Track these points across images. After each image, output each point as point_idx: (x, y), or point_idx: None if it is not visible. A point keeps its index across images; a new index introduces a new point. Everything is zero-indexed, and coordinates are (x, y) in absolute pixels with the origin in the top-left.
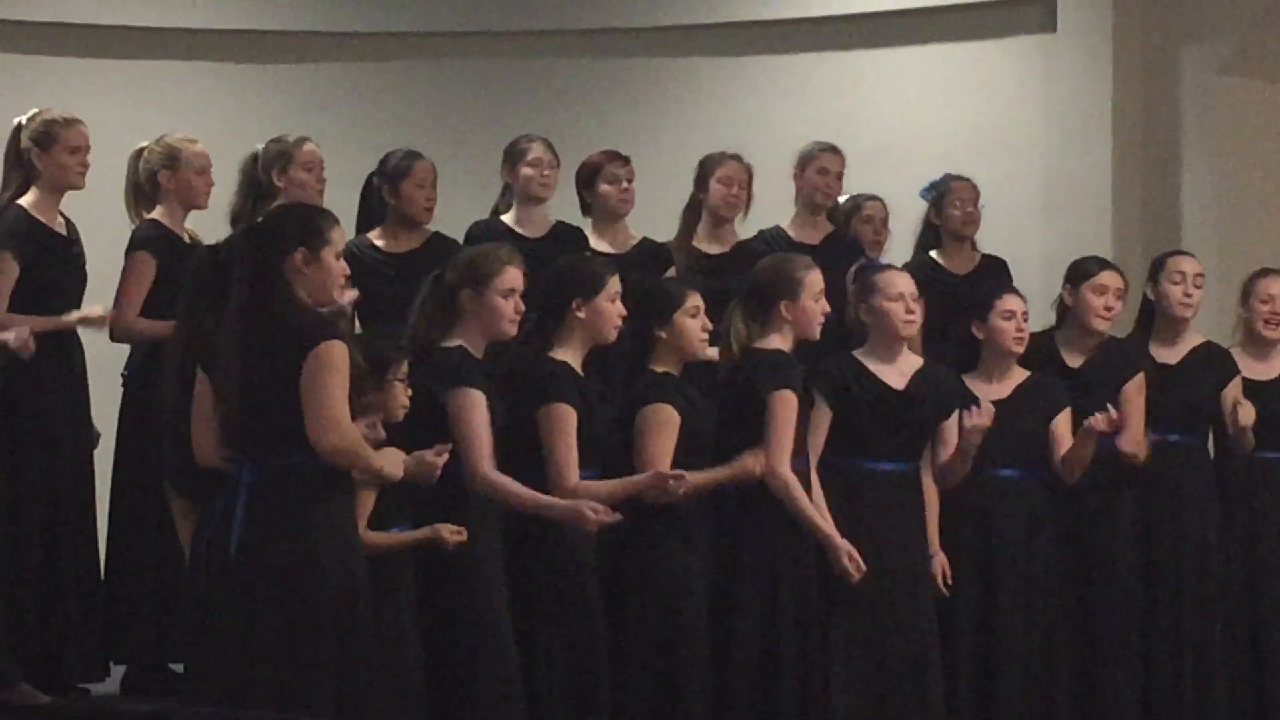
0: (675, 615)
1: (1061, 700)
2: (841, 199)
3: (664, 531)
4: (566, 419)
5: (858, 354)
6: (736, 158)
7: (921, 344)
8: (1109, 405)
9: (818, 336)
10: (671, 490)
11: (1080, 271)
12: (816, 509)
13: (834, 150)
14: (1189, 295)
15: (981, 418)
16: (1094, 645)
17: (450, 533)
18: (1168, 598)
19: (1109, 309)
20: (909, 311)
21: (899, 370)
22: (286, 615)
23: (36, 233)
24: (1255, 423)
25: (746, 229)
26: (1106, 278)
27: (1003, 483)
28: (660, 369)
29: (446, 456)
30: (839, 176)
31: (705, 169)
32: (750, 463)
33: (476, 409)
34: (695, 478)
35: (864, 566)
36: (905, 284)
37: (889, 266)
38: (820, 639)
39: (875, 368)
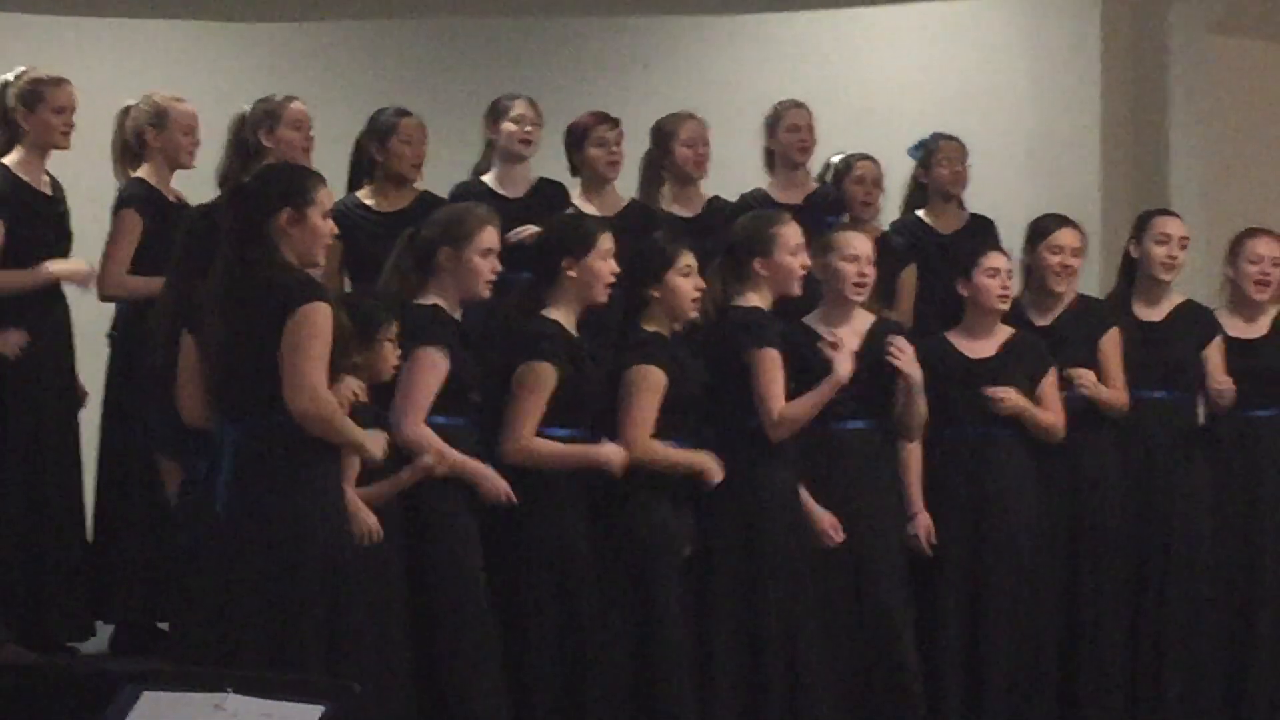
0: (653, 572)
1: (1048, 658)
2: (835, 159)
3: (648, 491)
4: (543, 377)
5: (808, 319)
6: (692, 115)
7: (911, 308)
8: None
9: (798, 292)
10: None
11: (1038, 230)
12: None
13: (798, 105)
14: (1172, 256)
15: (904, 355)
16: (1082, 603)
17: (428, 462)
18: (1156, 555)
19: (1065, 266)
20: (861, 274)
21: (852, 330)
22: (274, 575)
23: (21, 192)
24: (1240, 380)
25: (730, 188)
26: (1063, 236)
27: (989, 441)
28: (651, 328)
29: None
30: (810, 129)
31: (665, 132)
32: (712, 473)
33: (429, 369)
34: (658, 452)
35: (839, 537)
36: (862, 246)
37: (849, 226)
38: (802, 597)
39: (825, 330)
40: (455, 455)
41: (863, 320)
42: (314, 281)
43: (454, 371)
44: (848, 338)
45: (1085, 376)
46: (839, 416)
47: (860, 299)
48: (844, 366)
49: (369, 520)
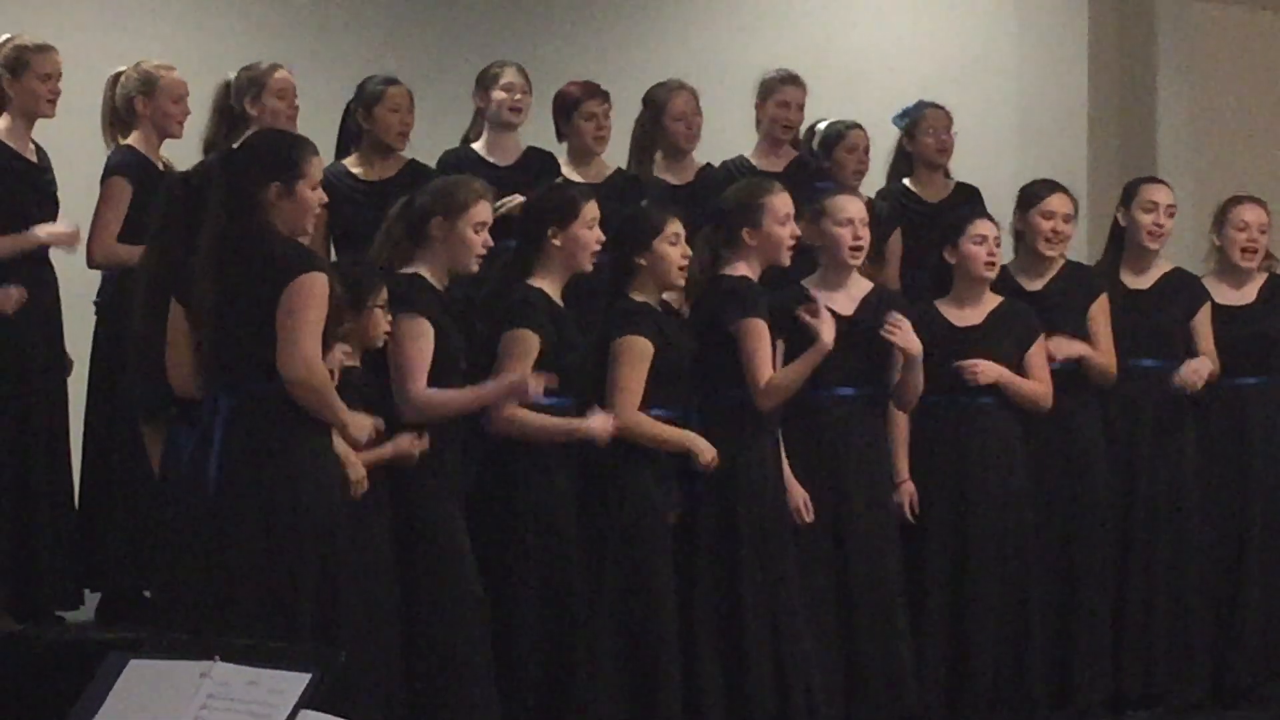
0: (641, 542)
1: (1035, 627)
2: (822, 125)
3: (632, 459)
4: (527, 345)
5: (805, 282)
6: (682, 86)
7: (898, 272)
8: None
9: (787, 262)
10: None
11: (1029, 196)
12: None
13: (795, 82)
14: (1159, 225)
15: (900, 330)
16: (1069, 569)
17: (411, 441)
18: (1142, 523)
19: (1057, 232)
20: (856, 238)
21: (848, 295)
22: (266, 543)
23: (8, 159)
24: (1228, 348)
25: (714, 154)
26: (1054, 202)
27: (976, 409)
28: (639, 298)
29: (426, 443)
30: (800, 108)
31: (657, 104)
32: (705, 457)
33: (417, 337)
34: (647, 426)
35: (809, 518)
36: (855, 209)
37: (841, 190)
38: (787, 559)
39: (823, 295)
40: (474, 389)
41: (859, 286)
42: (310, 251)
43: (438, 341)
44: (843, 303)
45: (1064, 347)
46: (828, 383)
47: (857, 262)
48: (827, 333)
49: (359, 470)
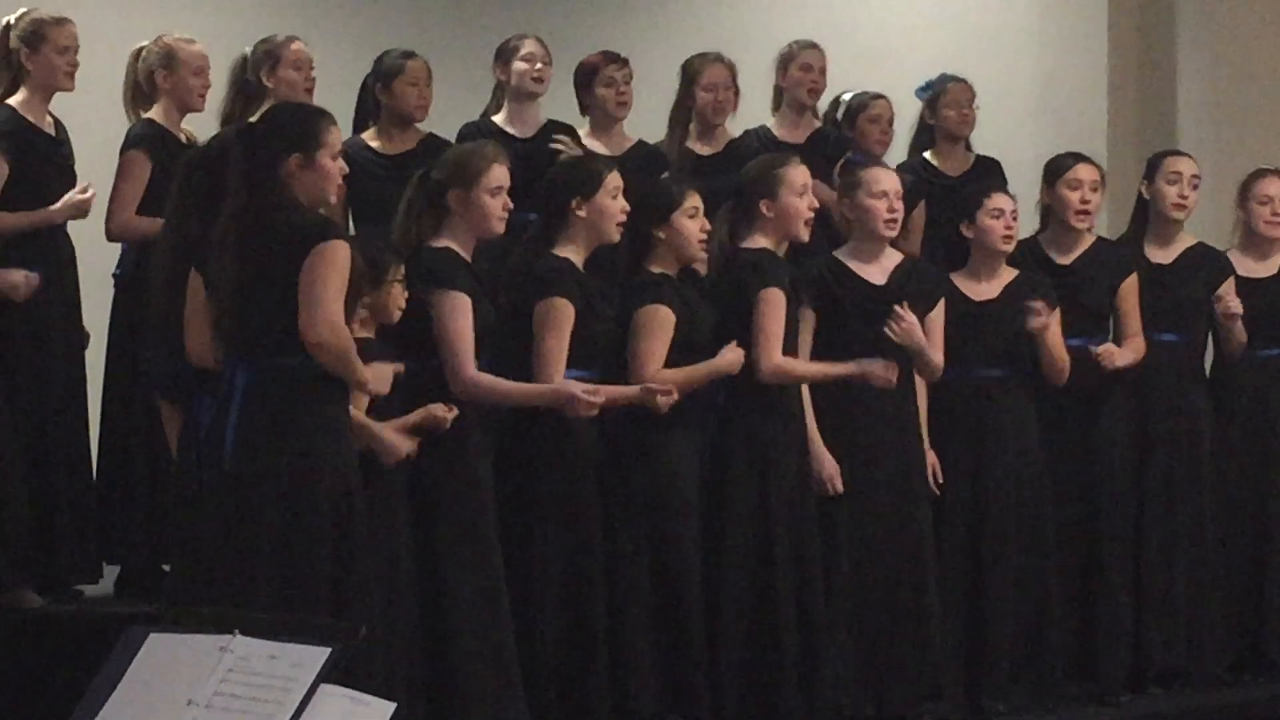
0: (667, 512)
1: (1054, 597)
2: (846, 96)
3: (656, 430)
4: (563, 313)
5: (838, 253)
6: (719, 59)
7: (919, 246)
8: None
9: (804, 236)
10: (659, 405)
11: (1055, 168)
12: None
13: (813, 46)
14: (1184, 196)
15: (900, 328)
16: (1088, 544)
17: (443, 410)
18: (1161, 497)
19: (1085, 202)
20: (891, 210)
21: (880, 267)
22: (282, 517)
23: (25, 133)
24: (1252, 320)
25: (736, 125)
26: (1081, 171)
27: (991, 382)
28: (657, 270)
29: (456, 413)
30: (822, 71)
31: (690, 73)
32: (729, 357)
33: (461, 312)
34: (675, 375)
35: (840, 487)
36: (890, 182)
37: (875, 162)
38: (813, 534)
39: (856, 266)
40: (529, 387)
41: (891, 258)
42: (331, 221)
43: (473, 314)
44: (875, 274)
45: (1110, 355)
46: (858, 354)
47: (892, 234)
48: (878, 375)
49: (393, 442)
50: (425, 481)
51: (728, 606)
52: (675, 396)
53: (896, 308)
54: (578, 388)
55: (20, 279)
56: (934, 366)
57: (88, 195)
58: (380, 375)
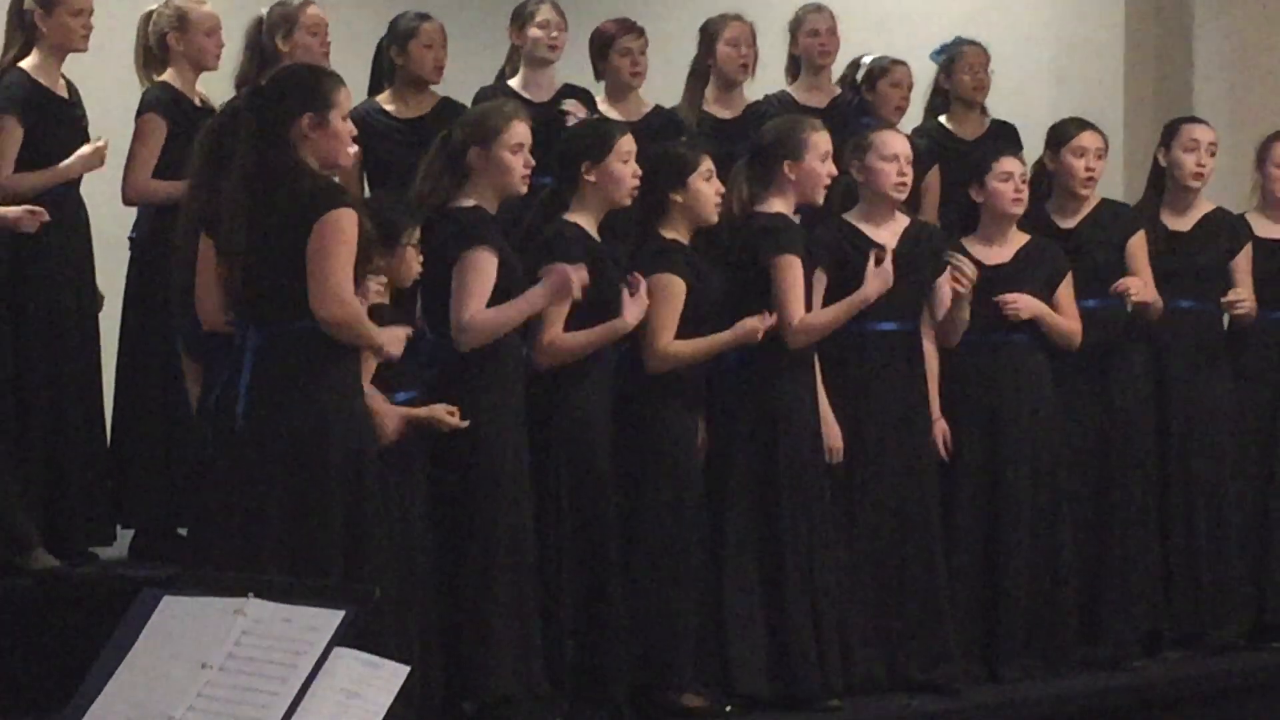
0: (675, 477)
1: (1068, 562)
2: (867, 59)
3: (665, 396)
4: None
5: (848, 216)
6: (740, 18)
7: (935, 209)
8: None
9: (821, 200)
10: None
11: (1060, 135)
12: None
13: (819, 9)
14: (1202, 164)
15: (963, 277)
16: (1104, 510)
17: (446, 413)
18: (1180, 462)
19: (1090, 169)
20: (901, 174)
21: (890, 230)
22: (294, 480)
23: (38, 95)
24: (1268, 283)
25: (754, 91)
26: (1085, 139)
27: (1008, 347)
28: (670, 235)
29: (464, 424)
30: (831, 32)
31: (710, 32)
32: (752, 324)
33: (482, 268)
34: (699, 344)
35: (840, 458)
36: (900, 145)
37: (886, 126)
38: (823, 499)
39: (866, 228)
40: (523, 296)
41: (899, 221)
42: (338, 187)
43: (503, 270)
44: (885, 238)
45: (1132, 283)
46: (869, 318)
47: (902, 197)
48: (872, 285)
49: (382, 426)
50: (444, 443)
51: (731, 570)
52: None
53: (956, 256)
54: (564, 267)
55: (20, 212)
56: (963, 327)
57: (100, 144)
58: (393, 337)
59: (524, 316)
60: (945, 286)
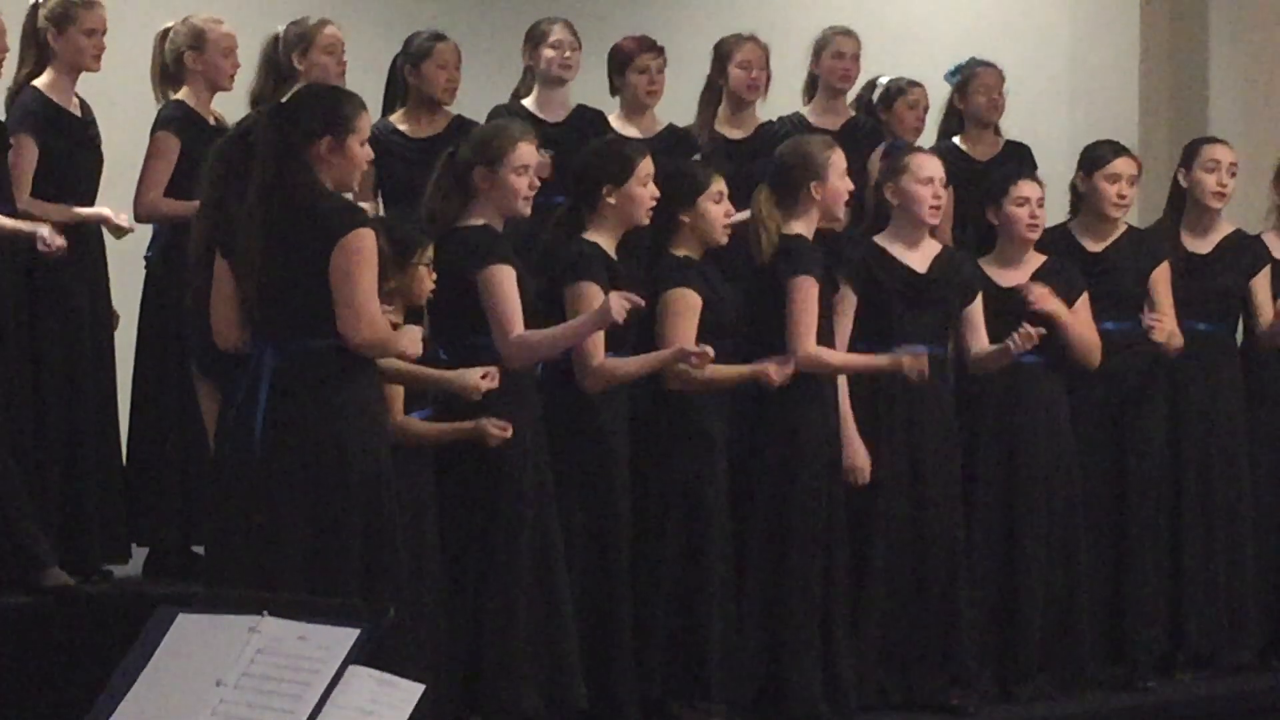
0: (696, 499)
1: (1084, 582)
2: (883, 80)
3: (685, 419)
4: (592, 299)
5: (879, 239)
6: (753, 39)
7: (950, 230)
8: (1027, 326)
9: (843, 217)
10: (695, 365)
11: (1093, 158)
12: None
13: (848, 33)
14: (1223, 184)
15: (1028, 339)
16: (1120, 531)
17: (495, 427)
18: (1197, 486)
19: (1122, 196)
20: (936, 196)
21: (921, 254)
22: (311, 499)
23: (53, 114)
24: None
25: (766, 111)
26: (1120, 165)
27: (1023, 369)
28: (681, 253)
29: (509, 432)
30: (855, 58)
31: (722, 52)
32: (772, 370)
33: (508, 282)
34: (716, 371)
35: (868, 478)
36: (935, 168)
37: (919, 149)
38: (841, 523)
39: (897, 251)
40: (570, 324)
41: (931, 245)
42: (356, 207)
43: (520, 286)
44: (917, 261)
45: (1157, 326)
46: (900, 341)
47: (935, 222)
48: (908, 361)
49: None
50: (466, 464)
51: (751, 591)
52: (709, 358)
53: (1026, 327)
54: (613, 298)
55: (45, 231)
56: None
57: (128, 227)
58: (411, 338)
59: (570, 344)
60: (979, 315)
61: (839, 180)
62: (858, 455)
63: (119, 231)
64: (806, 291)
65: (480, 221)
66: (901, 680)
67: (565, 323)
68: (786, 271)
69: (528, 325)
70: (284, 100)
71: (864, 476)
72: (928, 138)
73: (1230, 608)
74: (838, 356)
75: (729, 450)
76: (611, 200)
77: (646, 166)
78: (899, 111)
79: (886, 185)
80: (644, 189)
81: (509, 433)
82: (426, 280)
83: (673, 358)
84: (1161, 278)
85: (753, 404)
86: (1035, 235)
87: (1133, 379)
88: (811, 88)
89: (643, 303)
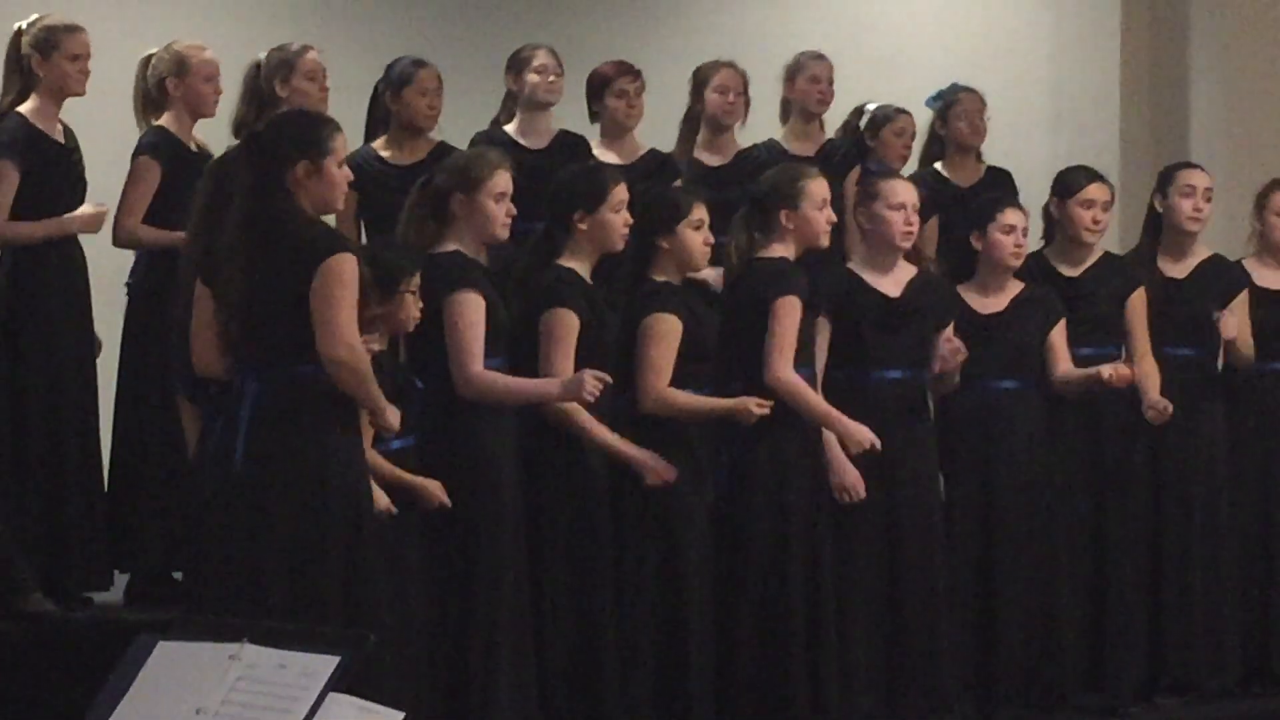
0: (672, 527)
1: (1064, 609)
2: (871, 106)
3: (663, 444)
4: (568, 324)
5: (851, 265)
6: (731, 65)
7: (933, 256)
8: (1124, 363)
9: (825, 244)
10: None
11: (1066, 184)
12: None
13: (819, 57)
14: (1199, 210)
15: (957, 352)
16: (1100, 557)
17: (437, 490)
18: (1177, 513)
19: (1096, 221)
20: (908, 223)
21: (894, 279)
22: (293, 525)
23: (36, 140)
24: (1267, 332)
25: (745, 137)
26: (1094, 190)
27: (1001, 394)
28: (661, 278)
29: (446, 505)
30: (830, 82)
31: (700, 78)
32: (751, 407)
33: (471, 311)
34: (696, 402)
35: (862, 494)
36: (908, 194)
37: (893, 174)
38: (827, 544)
39: (870, 277)
40: (536, 382)
41: (905, 270)
42: (337, 232)
43: (488, 314)
44: (889, 286)
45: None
46: (875, 366)
47: (908, 246)
48: (863, 436)
49: (382, 499)
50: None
51: (740, 614)
52: (599, 383)
53: (948, 342)
54: (588, 374)
55: (90, 209)
56: (952, 384)
57: (102, 209)
58: (396, 414)
59: (528, 402)
60: (945, 344)
61: (814, 210)
62: (847, 474)
63: (97, 219)
64: (789, 311)
65: (453, 247)
66: (883, 705)
67: (533, 380)
68: (771, 293)
69: (504, 352)
70: (259, 128)
71: (857, 493)
72: (910, 164)
73: (1211, 633)
74: (808, 397)
75: (712, 472)
76: (584, 226)
77: (620, 193)
78: (886, 138)
79: (859, 210)
80: (617, 215)
81: (447, 502)
82: (413, 307)
83: (736, 407)
84: (1138, 304)
85: (739, 428)
86: (1018, 263)
87: (1112, 405)
88: (786, 113)
89: (610, 380)
